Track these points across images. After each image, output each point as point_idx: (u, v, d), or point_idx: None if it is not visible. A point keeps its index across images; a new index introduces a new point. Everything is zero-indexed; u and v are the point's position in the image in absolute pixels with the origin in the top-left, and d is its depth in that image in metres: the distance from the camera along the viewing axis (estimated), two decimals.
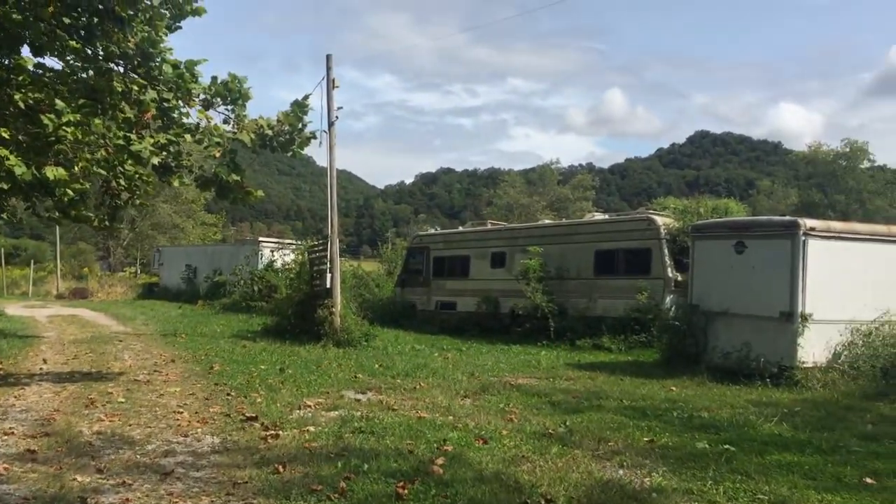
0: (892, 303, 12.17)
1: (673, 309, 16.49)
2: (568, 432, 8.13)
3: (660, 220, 17.95)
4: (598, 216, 21.82)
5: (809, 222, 11.91)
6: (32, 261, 60.26)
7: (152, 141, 10.61)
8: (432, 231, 28.21)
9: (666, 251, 17.35)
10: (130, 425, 8.55)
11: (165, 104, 10.82)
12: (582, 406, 9.93)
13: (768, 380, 11.63)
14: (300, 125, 11.10)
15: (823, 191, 75.22)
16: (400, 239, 38.60)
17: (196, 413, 9.29)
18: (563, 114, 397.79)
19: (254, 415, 8.96)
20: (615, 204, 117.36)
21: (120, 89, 10.83)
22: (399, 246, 32.63)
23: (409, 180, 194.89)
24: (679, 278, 17.01)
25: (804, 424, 8.75)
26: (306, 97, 11.30)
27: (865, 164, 75.40)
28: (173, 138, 10.76)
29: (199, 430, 8.36)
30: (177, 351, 16.38)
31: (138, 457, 7.11)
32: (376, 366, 14.06)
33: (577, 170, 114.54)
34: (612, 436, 7.98)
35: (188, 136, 10.76)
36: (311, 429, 8.27)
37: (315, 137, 11.72)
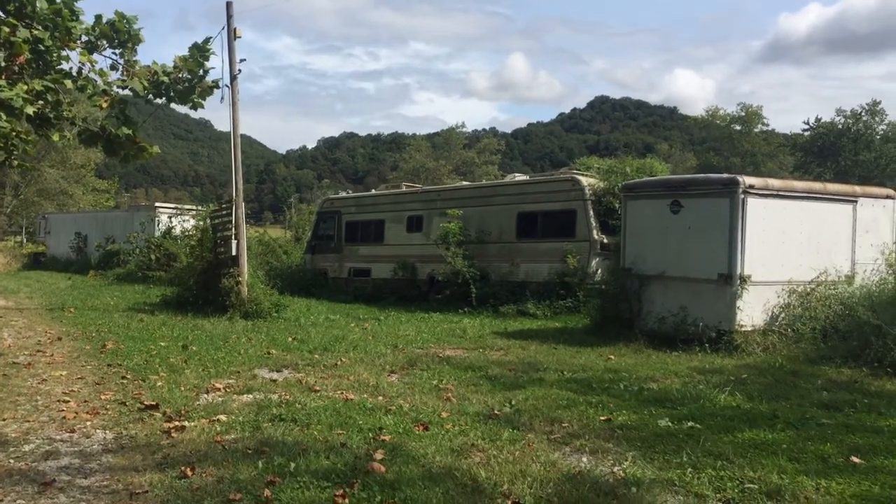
0: (828, 262, 11.88)
1: (599, 272, 16.02)
2: (515, 412, 7.31)
3: (584, 180, 17.32)
4: (520, 177, 21.08)
5: (749, 180, 11.41)
6: None
7: (26, 88, 9.10)
8: (344, 194, 26.93)
9: (591, 212, 16.75)
10: (4, 420, 7.23)
11: (40, 46, 9.30)
12: (521, 380, 9.14)
13: (707, 345, 11.15)
14: (201, 72, 9.74)
15: (720, 154, 77.25)
16: (304, 205, 37.10)
17: (85, 402, 8.03)
18: (465, 78, 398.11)
19: (154, 402, 7.77)
20: (518, 168, 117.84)
21: None
22: (306, 211, 31.24)
23: (311, 145, 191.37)
24: (605, 240, 16.47)
25: (758, 394, 8.24)
26: (207, 40, 9.93)
27: (759, 128, 77.79)
28: (51, 85, 9.25)
29: (89, 423, 7.14)
30: (64, 327, 14.79)
31: (11, 461, 5.88)
32: (290, 339, 12.97)
33: (481, 134, 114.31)
34: (564, 415, 7.21)
35: (69, 83, 9.26)
36: (223, 418, 7.17)
37: (218, 87, 10.37)
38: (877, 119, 70.11)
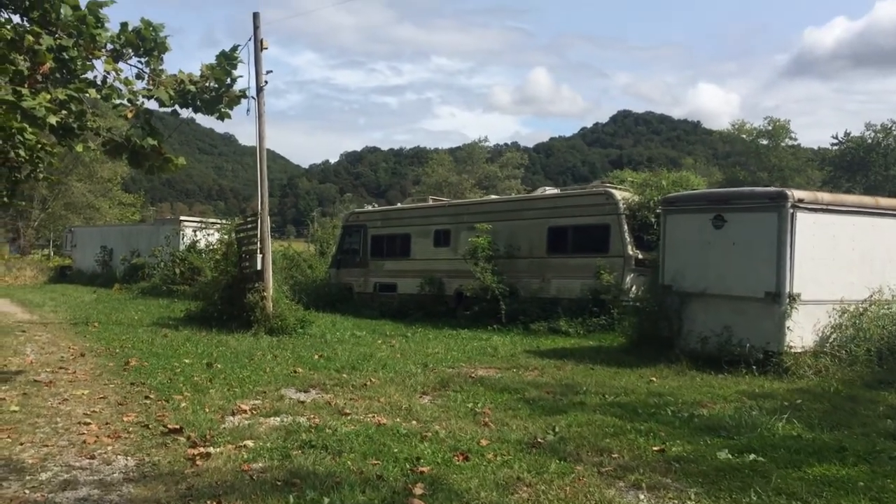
0: (881, 280, 11.30)
1: (634, 289, 15.53)
2: (559, 441, 6.84)
3: (618, 193, 16.83)
4: (550, 190, 20.61)
5: (798, 193, 10.88)
6: None
7: (49, 97, 8.81)
8: (369, 208, 26.57)
9: (625, 227, 16.24)
10: (22, 444, 6.88)
11: (64, 54, 9.03)
12: (561, 404, 8.67)
13: (754, 367, 10.59)
14: (228, 80, 9.41)
15: (746, 168, 76.14)
16: (326, 219, 36.86)
17: (106, 424, 7.66)
18: (487, 93, 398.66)
19: (178, 426, 7.38)
20: (540, 182, 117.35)
21: (9, 37, 9.02)
22: (330, 225, 30.95)
23: (333, 159, 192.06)
24: (640, 256, 15.97)
25: (818, 422, 7.70)
26: (235, 48, 9.58)
27: (787, 143, 76.60)
28: (74, 94, 8.95)
29: (110, 447, 6.76)
30: (88, 342, 14.52)
31: (27, 491, 5.51)
32: (316, 357, 12.58)
33: (503, 148, 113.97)
34: (613, 444, 6.72)
35: (93, 92, 8.97)
36: (250, 443, 6.77)
37: (245, 96, 10.04)
38: None
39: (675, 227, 12.43)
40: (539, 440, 6.82)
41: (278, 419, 7.86)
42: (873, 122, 69.00)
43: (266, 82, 16.64)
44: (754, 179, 72.38)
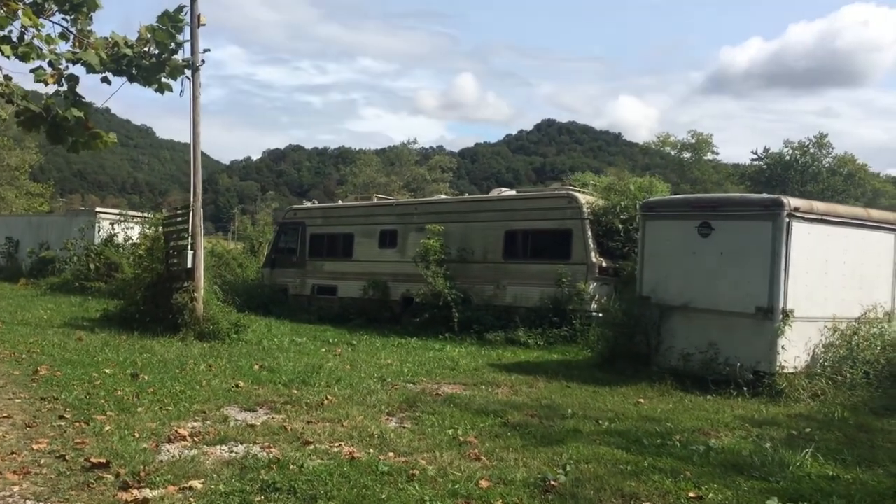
0: (871, 297, 10.66)
1: (597, 298, 14.67)
2: (574, 482, 5.75)
3: (582, 197, 15.89)
4: (507, 192, 19.55)
5: (794, 202, 10.12)
6: None
7: None
8: (308, 204, 24.99)
9: (589, 233, 15.32)
10: None
11: None
12: (553, 431, 7.61)
13: (744, 388, 9.76)
14: (172, 45, 8.01)
15: (670, 180, 77.15)
16: (246, 216, 35.28)
17: (12, 454, 6.19)
18: (413, 96, 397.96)
19: (103, 458, 5.97)
20: (465, 187, 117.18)
21: None
22: (262, 221, 29.31)
23: (255, 156, 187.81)
24: (604, 264, 15.09)
25: (848, 458, 6.85)
26: (180, 9, 8.20)
27: (709, 156, 78.14)
28: None
29: (16, 488, 5.36)
30: None
31: None
32: (257, 367, 11.22)
33: (429, 152, 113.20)
34: (640, 488, 5.68)
35: (7, 49, 7.47)
36: (197, 484, 5.45)
37: (189, 66, 8.69)
38: (823, 152, 71.16)
39: (655, 235, 11.55)
40: (551, 482, 5.70)
41: (226, 448, 6.57)
42: (791, 140, 71.07)
43: (203, 61, 15.11)
44: (677, 191, 73.35)
